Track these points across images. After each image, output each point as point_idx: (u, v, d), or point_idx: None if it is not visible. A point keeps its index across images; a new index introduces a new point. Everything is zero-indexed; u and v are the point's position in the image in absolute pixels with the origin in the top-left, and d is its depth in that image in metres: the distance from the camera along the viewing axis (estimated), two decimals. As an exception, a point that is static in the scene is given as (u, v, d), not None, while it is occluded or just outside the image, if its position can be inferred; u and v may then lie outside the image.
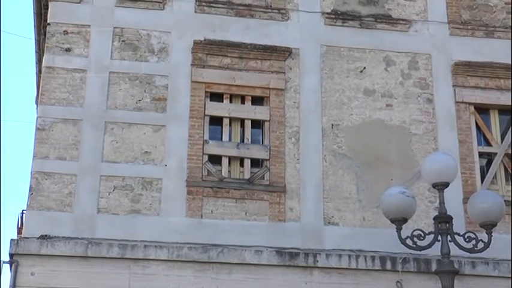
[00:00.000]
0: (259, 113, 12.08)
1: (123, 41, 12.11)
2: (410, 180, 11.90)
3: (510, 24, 13.16)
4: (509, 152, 12.48)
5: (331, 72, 12.44)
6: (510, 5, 13.33)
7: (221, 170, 11.73)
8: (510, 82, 12.71)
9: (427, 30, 12.95)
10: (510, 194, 12.17)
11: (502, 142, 12.52)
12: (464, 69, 12.68)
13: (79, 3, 12.17)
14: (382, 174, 11.91)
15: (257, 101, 12.18)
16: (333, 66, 12.48)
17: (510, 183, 12.41)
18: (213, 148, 11.80)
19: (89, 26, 12.06)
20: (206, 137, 11.84)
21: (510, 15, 13.25)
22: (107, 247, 10.82)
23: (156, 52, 12.13)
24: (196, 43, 12.14)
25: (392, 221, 9.68)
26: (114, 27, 12.12)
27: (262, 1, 12.70)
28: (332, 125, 12.15)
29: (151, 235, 11.07)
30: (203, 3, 12.48)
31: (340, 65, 12.49)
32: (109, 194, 11.27)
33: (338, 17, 12.75)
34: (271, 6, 12.68)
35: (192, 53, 12.12)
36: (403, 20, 12.92)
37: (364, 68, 12.51)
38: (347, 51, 12.59)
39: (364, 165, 12.00)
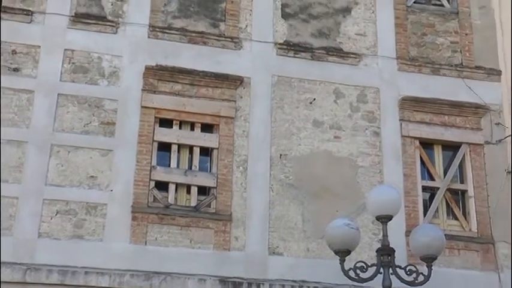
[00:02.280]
0: (208, 140, 11.65)
1: (73, 63, 11.60)
2: (355, 212, 11.60)
3: (455, 63, 13.02)
4: (452, 187, 12.30)
5: (282, 102, 12.11)
6: (456, 44, 13.21)
7: (167, 197, 11.26)
8: (454, 118, 12.56)
9: (377, 65, 12.74)
10: (451, 228, 11.97)
11: (444, 177, 12.32)
12: (410, 104, 12.48)
13: (29, 23, 11.62)
14: (327, 205, 11.56)
15: (207, 128, 11.76)
16: (283, 96, 12.15)
17: (451, 217, 12.19)
18: (160, 174, 11.31)
19: (39, 46, 11.50)
20: (154, 162, 11.36)
21: (455, 54, 13.12)
22: (46, 273, 10.22)
23: (106, 76, 11.64)
24: (148, 68, 11.69)
25: (336, 252, 9.45)
26: (65, 49, 11.60)
27: (215, 29, 12.34)
28: (280, 154, 11.78)
29: (93, 261, 10.51)
30: (156, 29, 12.05)
31: (291, 96, 12.18)
32: (51, 219, 10.68)
33: (290, 48, 12.45)
34: (224, 34, 12.32)
35: (143, 78, 11.67)
36: (353, 53, 12.68)
37: (314, 99, 12.21)
38: (298, 82, 12.28)
39: (310, 196, 11.65)
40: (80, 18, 11.85)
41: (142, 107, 11.51)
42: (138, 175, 11.16)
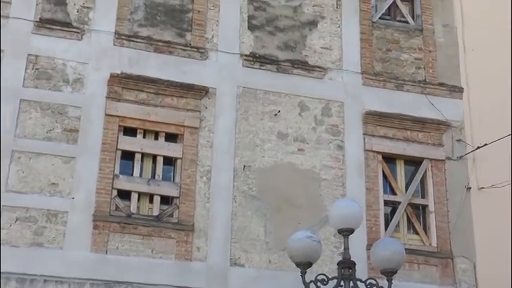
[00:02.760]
0: (172, 150, 11.67)
1: (37, 68, 11.52)
2: (317, 225, 11.71)
3: (419, 79, 13.26)
4: (413, 201, 12.49)
5: (246, 114, 12.19)
6: (419, 61, 13.46)
7: (130, 206, 11.23)
8: (416, 134, 12.77)
9: (341, 79, 12.90)
10: (411, 243, 12.15)
11: (406, 192, 12.50)
12: (374, 118, 12.66)
13: (-8, 27, 11.56)
14: (290, 217, 11.65)
15: (171, 138, 11.77)
16: (248, 107, 12.24)
17: (412, 232, 12.38)
18: (123, 183, 11.30)
19: (2, 51, 11.41)
20: (117, 171, 11.32)
21: (419, 70, 13.37)
22: (4, 281, 10.09)
23: (70, 82, 11.59)
24: (113, 76, 11.68)
25: (298, 264, 9.53)
26: (29, 54, 11.51)
27: (181, 39, 12.39)
28: (244, 166, 11.85)
29: (53, 270, 10.42)
30: (122, 37, 12.07)
31: (256, 107, 12.26)
32: (10, 226, 10.56)
33: (256, 59, 12.55)
34: (190, 44, 12.37)
35: (107, 85, 11.65)
36: (318, 67, 12.84)
37: (279, 111, 12.31)
38: (263, 94, 12.38)
39: (273, 208, 11.73)
40: (44, 24, 11.78)
41: (106, 114, 11.49)
42: (101, 183, 11.12)
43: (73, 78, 11.62)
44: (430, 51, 13.56)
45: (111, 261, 10.76)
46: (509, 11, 14.14)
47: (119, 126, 11.53)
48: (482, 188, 12.65)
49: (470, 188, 12.67)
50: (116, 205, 11.15)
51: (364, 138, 12.55)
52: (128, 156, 11.51)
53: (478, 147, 12.69)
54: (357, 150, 12.45)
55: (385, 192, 12.42)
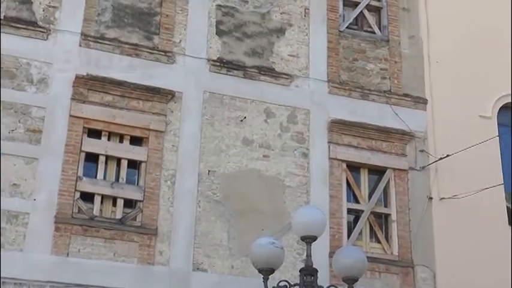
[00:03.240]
0: (137, 153, 11.69)
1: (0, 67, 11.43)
2: (281, 232, 11.81)
3: (384, 89, 13.48)
4: (376, 210, 12.68)
5: (212, 119, 12.27)
6: (385, 71, 13.67)
7: (92, 208, 11.21)
8: (381, 143, 12.98)
9: (308, 87, 13.05)
10: (373, 251, 12.32)
11: (369, 200, 12.69)
12: (339, 127, 12.83)
13: (-44, 24, 11.46)
14: (253, 223, 11.73)
15: (136, 141, 11.79)
16: (214, 113, 12.32)
17: (374, 240, 12.56)
18: (86, 185, 11.28)
19: (-23, 48, 11.35)
20: (80, 173, 11.31)
21: (384, 80, 13.59)
22: (-38, 282, 10.02)
23: (35, 82, 11.54)
24: (78, 77, 11.66)
25: (260, 270, 9.54)
26: (-8, 53, 11.45)
27: (149, 42, 12.42)
28: (209, 171, 11.92)
29: (12, 272, 10.33)
30: (89, 38, 12.05)
31: (222, 113, 12.35)
32: (-31, 226, 10.50)
33: (223, 65, 12.64)
34: (157, 47, 12.41)
35: (73, 87, 11.62)
36: (285, 74, 12.97)
37: (245, 117, 12.41)
38: (229, 99, 12.47)
39: (236, 214, 11.82)
40: (9, 22, 11.68)
41: (70, 116, 11.46)
42: (63, 185, 11.08)
43: (37, 78, 11.57)
44: (395, 62, 13.80)
45: (72, 264, 10.72)
46: (474, 24, 14.47)
47: (84, 128, 11.51)
48: (444, 198, 12.90)
49: (431, 198, 12.92)
50: (79, 207, 11.12)
51: (329, 146, 12.71)
52: (92, 158, 11.49)
53: (441, 158, 12.94)
54: (322, 158, 12.60)
55: (348, 200, 12.59)
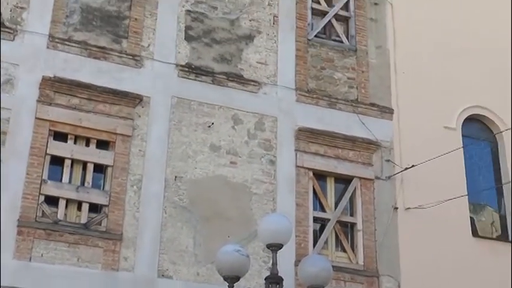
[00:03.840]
0: (103, 157, 11.66)
1: (-35, 67, 11.34)
2: (247, 239, 11.86)
3: (351, 98, 13.65)
4: (342, 219, 12.81)
5: (180, 124, 12.30)
6: (352, 80, 13.85)
7: (57, 212, 11.14)
8: (347, 152, 13.13)
9: (276, 94, 13.17)
10: (339, 260, 12.43)
11: (335, 209, 12.81)
12: (306, 135, 12.96)
13: None
14: (220, 230, 11.77)
15: (102, 145, 11.77)
16: (182, 118, 12.35)
17: (340, 249, 12.69)
18: (51, 189, 11.21)
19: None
20: (45, 176, 11.22)
21: (352, 90, 13.76)
22: None
23: (0, 83, 11.41)
24: (45, 79, 11.61)
25: (225, 278, 9.51)
26: (-43, 52, 11.34)
27: (117, 45, 12.42)
28: (175, 176, 11.93)
29: (-27, 275, 10.23)
30: (56, 40, 12.01)
31: (189, 118, 12.39)
32: None
33: (192, 70, 12.70)
34: (126, 51, 12.42)
35: (39, 88, 11.57)
36: (253, 81, 13.07)
37: (212, 123, 12.47)
38: (197, 105, 12.52)
39: (203, 220, 11.85)
40: (-26, 22, 11.64)
41: (36, 118, 11.40)
42: (27, 188, 11.00)
43: (3, 79, 11.46)
44: (362, 72, 14.00)
45: (35, 269, 10.63)
46: (440, 35, 14.76)
47: (49, 130, 11.45)
48: (409, 208, 13.09)
49: (397, 208, 13.09)
50: (43, 211, 11.05)
51: (296, 154, 12.82)
52: (57, 161, 11.44)
53: (406, 168, 13.13)
54: (289, 165, 12.71)
55: (314, 208, 12.70)
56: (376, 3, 14.71)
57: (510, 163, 14.19)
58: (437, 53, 14.59)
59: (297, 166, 12.76)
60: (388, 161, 13.36)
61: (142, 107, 12.11)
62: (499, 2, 15.55)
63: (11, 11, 11.96)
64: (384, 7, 14.74)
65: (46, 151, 11.33)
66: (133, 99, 12.04)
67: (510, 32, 14.63)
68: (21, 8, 12.05)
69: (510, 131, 13.65)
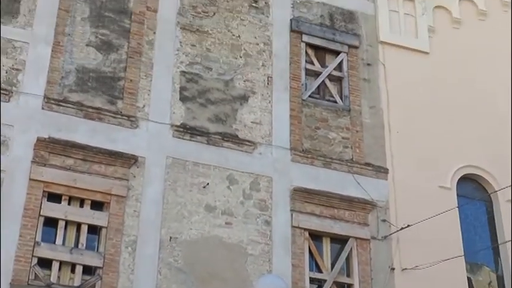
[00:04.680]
0: (98, 218, 11.64)
1: (-40, 128, 11.39)
2: (243, 301, 11.80)
3: (346, 158, 13.75)
4: (338, 280, 12.75)
5: (175, 185, 12.32)
6: (347, 140, 13.97)
7: (50, 275, 11.05)
8: (343, 212, 13.14)
9: (271, 154, 13.25)
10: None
11: (332, 270, 12.76)
12: (302, 195, 12.99)
13: None
14: (216, 291, 11.69)
15: (97, 205, 11.76)
16: (177, 178, 12.39)
17: (338, 310, 12.64)
18: (44, 251, 11.15)
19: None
20: (38, 238, 11.17)
21: (346, 149, 13.87)
22: None
23: (-5, 145, 11.48)
24: (40, 140, 11.67)
25: None
26: (-47, 113, 11.41)
27: (112, 106, 12.53)
28: (170, 237, 11.89)
29: None
30: (51, 101, 12.11)
31: (184, 179, 12.42)
32: None
33: (187, 131, 12.79)
34: (121, 112, 12.52)
35: (34, 149, 11.62)
36: (248, 141, 13.16)
37: (208, 184, 12.51)
38: (192, 165, 12.57)
39: (198, 281, 11.77)
40: (-30, 84, 11.74)
41: (30, 179, 11.42)
42: (20, 250, 10.94)
43: (-2, 140, 11.52)
44: (357, 131, 14.13)
45: (28, 333, 10.50)
46: (432, 95, 14.98)
47: (43, 191, 11.45)
48: (406, 269, 13.05)
49: (394, 268, 13.05)
50: (36, 274, 10.96)
51: (292, 215, 12.83)
52: (51, 223, 11.40)
53: (402, 228, 13.12)
54: (284, 226, 12.69)
55: (311, 269, 12.64)
56: (369, 64, 14.92)
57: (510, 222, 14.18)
58: (430, 113, 14.77)
59: (293, 226, 12.75)
60: (384, 220, 13.38)
61: (138, 168, 12.15)
62: (492, 61, 15.81)
63: (6, 72, 12.09)
64: (376, 67, 14.95)
65: (40, 212, 11.31)
66: (129, 160, 12.10)
67: (510, 91, 14.83)
68: (17, 69, 12.19)
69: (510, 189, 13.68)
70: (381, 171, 13.87)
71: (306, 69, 14.45)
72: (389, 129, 14.43)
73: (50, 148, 11.70)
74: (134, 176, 12.10)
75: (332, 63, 14.66)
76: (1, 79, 11.97)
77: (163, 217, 12.00)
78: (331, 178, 13.41)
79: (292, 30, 14.55)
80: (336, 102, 14.36)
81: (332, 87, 14.50)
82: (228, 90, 13.54)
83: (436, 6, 16.03)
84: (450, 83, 15.26)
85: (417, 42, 15.49)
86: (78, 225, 11.56)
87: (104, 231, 11.62)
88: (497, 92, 15.52)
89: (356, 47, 14.92)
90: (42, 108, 12.02)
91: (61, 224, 11.44)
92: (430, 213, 13.15)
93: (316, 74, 14.52)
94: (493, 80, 15.62)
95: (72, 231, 11.52)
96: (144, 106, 12.75)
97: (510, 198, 14.24)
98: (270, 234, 12.57)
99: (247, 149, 13.10)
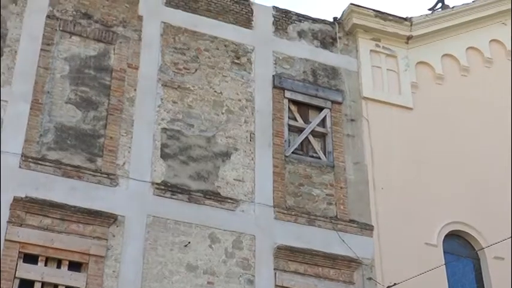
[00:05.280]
0: (75, 279, 11.42)
1: None
2: None
3: (330, 215, 13.63)
4: None
5: (155, 244, 12.13)
6: (331, 197, 13.87)
7: None
8: (328, 271, 12.98)
9: (253, 212, 13.14)
10: None
11: (317, 330, 12.55)
12: (285, 253, 12.84)
13: None
14: None
15: (74, 266, 11.54)
16: (157, 237, 12.20)
17: None
18: (20, 314, 10.90)
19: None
20: (14, 301, 10.93)
21: (330, 206, 13.77)
22: None
23: (-30, 204, 11.29)
24: (17, 200, 11.49)
25: None
26: None
27: (92, 164, 12.40)
28: (150, 298, 11.69)
29: None
30: (29, 159, 11.97)
31: (165, 237, 12.24)
32: None
33: (167, 188, 12.67)
34: (100, 170, 12.39)
35: (10, 209, 11.43)
36: (231, 199, 13.05)
37: (189, 242, 12.33)
38: (173, 223, 12.41)
39: None
40: None
41: (6, 240, 11.20)
42: (-6, 314, 10.71)
43: (-29, 200, 11.33)
44: (341, 188, 14.05)
45: None
46: (417, 150, 14.96)
47: (19, 252, 11.23)
48: (393, 328, 12.87)
49: (380, 327, 12.86)
50: (11, 339, 10.69)
51: (275, 274, 12.66)
52: (27, 285, 11.16)
53: (389, 287, 12.96)
54: (268, 285, 12.52)
55: (295, 331, 12.42)
56: (352, 120, 14.95)
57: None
58: (415, 168, 14.75)
59: (276, 285, 12.61)
60: (369, 279, 13.22)
61: (117, 227, 11.98)
62: (476, 115, 15.87)
63: (-18, 131, 11.99)
64: (360, 123, 14.97)
65: (15, 274, 11.08)
66: (108, 219, 11.92)
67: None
68: (-7, 129, 12.08)
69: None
70: (366, 228, 13.76)
71: (289, 125, 14.46)
72: (373, 185, 14.37)
73: (26, 208, 11.53)
74: (113, 236, 11.91)
75: (315, 119, 14.69)
76: (-23, 138, 11.88)
77: (143, 277, 11.79)
78: (315, 236, 13.28)
79: (274, 87, 14.61)
80: (319, 158, 14.32)
81: (315, 143, 14.49)
82: (210, 147, 13.48)
83: (418, 62, 16.16)
84: (434, 138, 15.31)
85: (400, 98, 15.58)
86: (55, 287, 11.32)
87: (81, 292, 11.38)
88: (482, 146, 15.52)
89: (339, 103, 14.99)
90: (20, 167, 11.87)
91: (37, 286, 11.22)
92: (416, 271, 13.04)
93: (300, 130, 14.53)
94: (477, 134, 15.65)
95: (48, 293, 11.30)
96: (124, 163, 12.64)
97: (497, 255, 14.10)
98: (253, 293, 12.38)
99: (229, 207, 12.97)
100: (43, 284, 11.26)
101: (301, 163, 14.05)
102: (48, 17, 13.27)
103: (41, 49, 12.92)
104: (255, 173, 13.53)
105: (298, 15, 15.63)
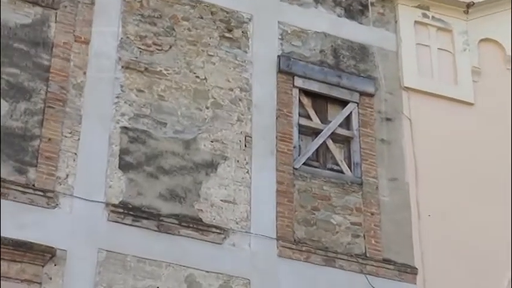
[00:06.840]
0: None
1: None
2: None
3: (356, 252, 13.65)
4: None
5: (110, 290, 12.19)
6: (358, 227, 13.88)
7: None
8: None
9: (248, 247, 13.12)
10: None
11: None
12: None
13: None
14: None
15: (-3, 319, 11.53)
16: (113, 281, 12.11)
17: None
18: None
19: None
20: None
21: (357, 240, 13.79)
22: None
23: None
24: None
25: None
26: None
27: (21, 176, 12.27)
28: None
29: None
30: None
31: (124, 281, 12.16)
32: None
33: (128, 212, 12.60)
34: (33, 185, 12.29)
35: None
36: (217, 227, 13.01)
37: (158, 288, 12.35)
38: (135, 262, 12.34)
39: None
40: None
41: None
42: None
43: None
44: (372, 214, 14.08)
45: None
46: (476, 161, 14.97)
47: None
48: None
49: None
50: None
51: (270, 329, 12.88)
52: None
53: None
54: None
55: None
56: (388, 119, 15.10)
57: None
58: (476, 189, 14.77)
59: None
60: None
61: (55, 265, 11.86)
62: None
63: None
64: (399, 124, 15.12)
65: None
66: (42, 254, 11.78)
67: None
68: None
69: None
70: (407, 271, 13.83)
71: (300, 126, 14.47)
72: (417, 211, 14.42)
73: None
74: (50, 278, 11.79)
75: (337, 117, 14.73)
76: None
77: (89, 337, 11.86)
78: (336, 280, 13.33)
79: (280, 71, 14.65)
80: (342, 172, 14.37)
81: (336, 152, 14.50)
82: (189, 155, 13.46)
83: (482, 39, 16.24)
84: (504, 144, 15.36)
85: (457, 90, 15.70)
86: None
87: None
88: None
89: (371, 95, 15.10)
90: None
91: None
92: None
93: (315, 133, 14.56)
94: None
95: None
96: (67, 176, 12.56)
97: None
98: None
99: (214, 239, 12.96)
100: None
101: (316, 178, 14.07)
102: (-37, -31, 13.26)
103: (-48, 14, 12.99)
104: (251, 192, 13.57)
105: (314, -28, 15.80)
